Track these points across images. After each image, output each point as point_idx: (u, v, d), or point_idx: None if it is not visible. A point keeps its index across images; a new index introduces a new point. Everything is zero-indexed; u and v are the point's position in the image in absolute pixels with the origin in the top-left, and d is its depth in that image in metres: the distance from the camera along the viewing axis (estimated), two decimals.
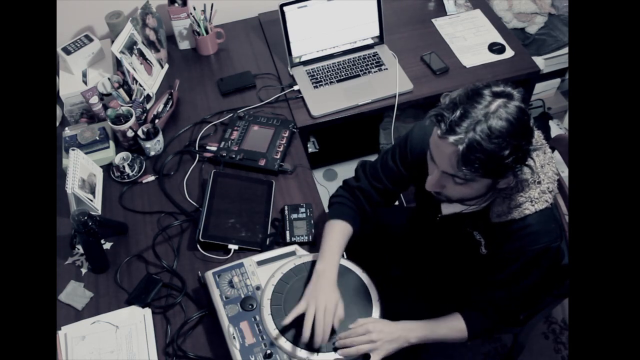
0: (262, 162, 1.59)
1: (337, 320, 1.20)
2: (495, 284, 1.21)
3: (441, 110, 1.01)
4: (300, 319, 1.20)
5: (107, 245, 1.47)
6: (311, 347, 1.19)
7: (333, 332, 1.21)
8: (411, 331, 1.24)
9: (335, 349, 1.19)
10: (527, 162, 1.04)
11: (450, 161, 1.02)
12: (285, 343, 1.19)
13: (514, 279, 1.19)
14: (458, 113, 0.99)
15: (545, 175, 1.12)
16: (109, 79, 1.76)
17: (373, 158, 1.43)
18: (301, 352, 1.18)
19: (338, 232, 1.32)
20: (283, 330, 1.21)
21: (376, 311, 1.27)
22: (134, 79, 1.74)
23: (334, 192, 1.43)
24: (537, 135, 1.14)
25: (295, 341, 1.20)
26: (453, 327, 1.26)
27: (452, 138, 0.98)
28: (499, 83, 1.03)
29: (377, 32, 1.92)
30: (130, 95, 1.73)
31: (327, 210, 1.43)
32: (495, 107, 0.98)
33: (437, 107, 1.03)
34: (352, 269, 1.34)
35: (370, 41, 1.93)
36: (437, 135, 1.03)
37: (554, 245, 1.15)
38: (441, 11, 2.09)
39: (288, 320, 1.19)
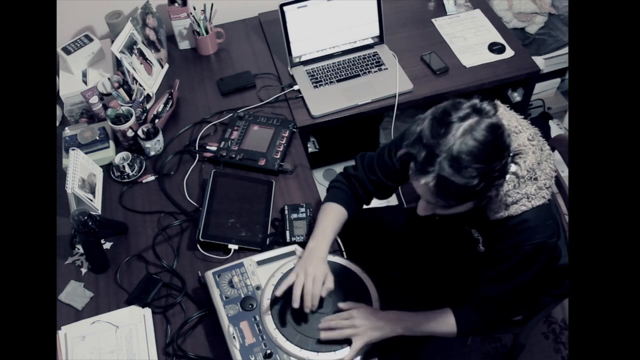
0: (262, 162, 1.59)
1: (325, 290, 1.23)
2: (491, 280, 1.21)
3: (408, 149, 1.02)
4: (299, 320, 1.23)
5: (107, 245, 1.47)
6: (311, 346, 1.19)
7: (322, 304, 1.23)
8: (398, 321, 1.24)
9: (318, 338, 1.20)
10: (509, 171, 1.05)
11: (427, 195, 1.05)
12: (285, 343, 1.19)
13: (510, 275, 1.19)
14: (423, 153, 0.99)
15: (542, 171, 1.12)
16: (109, 78, 1.76)
17: None
18: (301, 352, 1.18)
19: (332, 214, 1.35)
20: (282, 329, 1.21)
21: None
22: (134, 78, 1.74)
23: (334, 177, 1.45)
24: (534, 132, 1.14)
25: (296, 341, 1.20)
26: (442, 321, 1.27)
27: (422, 180, 1.00)
28: (460, 105, 0.99)
29: (377, 32, 1.92)
30: (130, 95, 1.73)
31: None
32: (461, 131, 0.97)
33: (405, 143, 1.03)
34: (352, 269, 1.34)
35: (370, 41, 1.93)
36: (410, 173, 1.04)
37: (551, 242, 1.15)
38: (441, 11, 2.09)
39: (280, 292, 1.22)
